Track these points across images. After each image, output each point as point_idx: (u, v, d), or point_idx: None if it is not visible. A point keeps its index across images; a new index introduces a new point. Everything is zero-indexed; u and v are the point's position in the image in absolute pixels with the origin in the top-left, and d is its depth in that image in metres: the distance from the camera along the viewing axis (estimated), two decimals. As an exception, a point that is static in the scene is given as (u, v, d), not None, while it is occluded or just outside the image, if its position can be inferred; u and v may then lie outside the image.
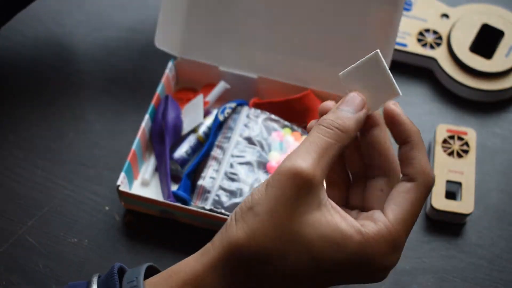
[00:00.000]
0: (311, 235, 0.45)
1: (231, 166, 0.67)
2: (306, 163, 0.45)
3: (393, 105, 0.48)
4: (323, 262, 0.45)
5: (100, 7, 0.83)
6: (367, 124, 0.48)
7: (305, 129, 0.71)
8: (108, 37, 0.81)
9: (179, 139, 0.71)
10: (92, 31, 0.81)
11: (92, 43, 0.80)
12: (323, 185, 0.46)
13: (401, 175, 0.49)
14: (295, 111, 0.72)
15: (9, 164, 0.71)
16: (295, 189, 0.45)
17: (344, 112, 0.47)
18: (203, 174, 0.67)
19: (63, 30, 0.81)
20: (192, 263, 0.48)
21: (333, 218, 0.46)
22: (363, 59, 0.48)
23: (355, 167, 0.51)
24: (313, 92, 0.71)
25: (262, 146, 0.68)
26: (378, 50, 0.47)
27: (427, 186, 0.47)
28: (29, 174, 0.70)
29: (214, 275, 0.47)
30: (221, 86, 0.74)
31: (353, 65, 0.48)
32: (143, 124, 0.69)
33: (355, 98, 0.48)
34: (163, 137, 0.70)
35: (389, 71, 0.47)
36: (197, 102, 0.72)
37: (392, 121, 0.48)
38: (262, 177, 0.66)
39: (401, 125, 0.48)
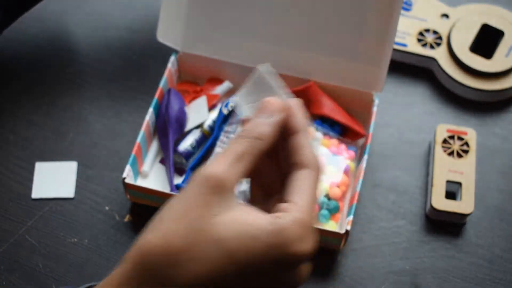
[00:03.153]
0: (224, 233, 0.45)
1: None
2: (219, 168, 0.46)
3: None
4: (239, 257, 0.44)
5: (100, 7, 0.83)
6: (288, 130, 0.50)
7: (309, 120, 0.71)
8: (108, 37, 0.81)
9: (184, 132, 0.71)
10: (93, 31, 0.81)
11: (93, 43, 0.80)
12: (233, 185, 0.46)
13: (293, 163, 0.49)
14: None
15: (9, 164, 0.71)
16: (206, 192, 0.45)
17: (260, 119, 0.48)
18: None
19: (63, 30, 0.81)
20: (109, 282, 0.46)
21: (247, 216, 0.46)
22: (250, 79, 0.50)
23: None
24: (316, 83, 0.71)
25: None
26: (258, 67, 0.49)
27: (318, 171, 0.49)
28: (29, 174, 0.70)
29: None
30: (225, 86, 0.74)
31: (243, 87, 0.50)
32: (147, 118, 0.69)
33: (268, 103, 0.49)
34: (167, 131, 0.70)
35: (274, 83, 0.49)
36: (201, 102, 0.72)
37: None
38: None
39: (292, 117, 0.49)
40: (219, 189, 0.46)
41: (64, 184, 0.70)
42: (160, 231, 0.45)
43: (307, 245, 0.46)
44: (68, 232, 0.67)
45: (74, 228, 0.68)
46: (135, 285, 0.45)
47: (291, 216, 0.46)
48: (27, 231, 0.67)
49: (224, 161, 0.46)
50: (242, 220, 0.45)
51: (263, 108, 0.49)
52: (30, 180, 0.70)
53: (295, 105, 0.50)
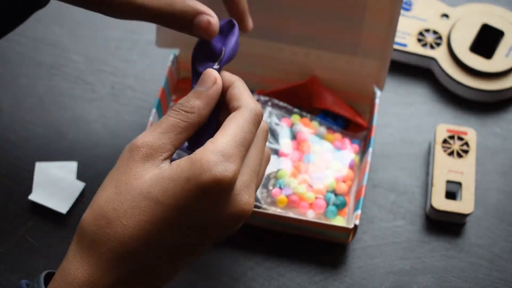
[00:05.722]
0: (149, 186, 0.47)
1: None
2: (144, 138, 0.49)
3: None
4: (164, 200, 0.47)
5: (100, 7, 0.83)
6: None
7: (312, 114, 0.71)
8: (108, 37, 0.81)
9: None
10: (92, 31, 0.81)
11: (92, 43, 0.80)
12: (164, 152, 0.49)
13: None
14: (300, 97, 0.72)
15: (9, 164, 0.71)
16: (131, 159, 0.49)
17: (196, 92, 0.52)
18: None
19: (63, 30, 0.81)
20: (63, 262, 0.50)
21: (169, 167, 0.48)
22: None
23: None
24: (317, 77, 0.72)
25: (272, 133, 0.68)
26: None
27: (250, 110, 0.51)
28: (29, 174, 0.70)
29: (74, 264, 0.49)
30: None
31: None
32: (151, 118, 0.68)
33: (205, 75, 0.52)
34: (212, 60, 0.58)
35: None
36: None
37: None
38: (275, 162, 0.66)
39: (232, 85, 0.53)
40: (143, 156, 0.48)
41: (62, 199, 0.69)
42: (92, 202, 0.48)
43: (223, 168, 0.47)
44: (69, 232, 0.67)
45: (75, 228, 0.67)
46: (78, 257, 0.49)
47: (203, 149, 0.48)
48: (27, 231, 0.67)
49: (151, 132, 0.49)
50: (164, 172, 0.48)
51: (201, 80, 0.52)
52: (30, 180, 0.70)
53: (234, 78, 0.53)
